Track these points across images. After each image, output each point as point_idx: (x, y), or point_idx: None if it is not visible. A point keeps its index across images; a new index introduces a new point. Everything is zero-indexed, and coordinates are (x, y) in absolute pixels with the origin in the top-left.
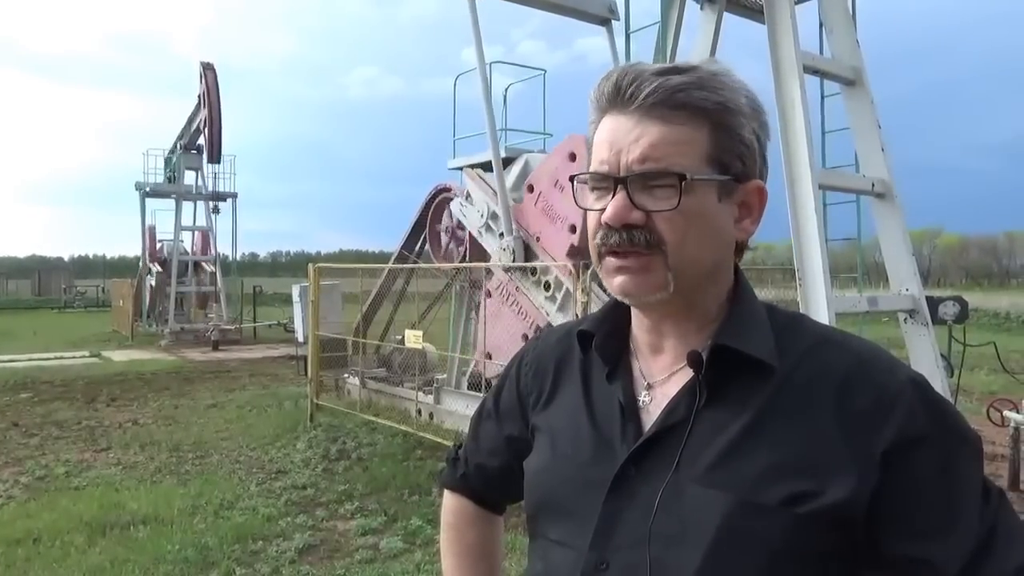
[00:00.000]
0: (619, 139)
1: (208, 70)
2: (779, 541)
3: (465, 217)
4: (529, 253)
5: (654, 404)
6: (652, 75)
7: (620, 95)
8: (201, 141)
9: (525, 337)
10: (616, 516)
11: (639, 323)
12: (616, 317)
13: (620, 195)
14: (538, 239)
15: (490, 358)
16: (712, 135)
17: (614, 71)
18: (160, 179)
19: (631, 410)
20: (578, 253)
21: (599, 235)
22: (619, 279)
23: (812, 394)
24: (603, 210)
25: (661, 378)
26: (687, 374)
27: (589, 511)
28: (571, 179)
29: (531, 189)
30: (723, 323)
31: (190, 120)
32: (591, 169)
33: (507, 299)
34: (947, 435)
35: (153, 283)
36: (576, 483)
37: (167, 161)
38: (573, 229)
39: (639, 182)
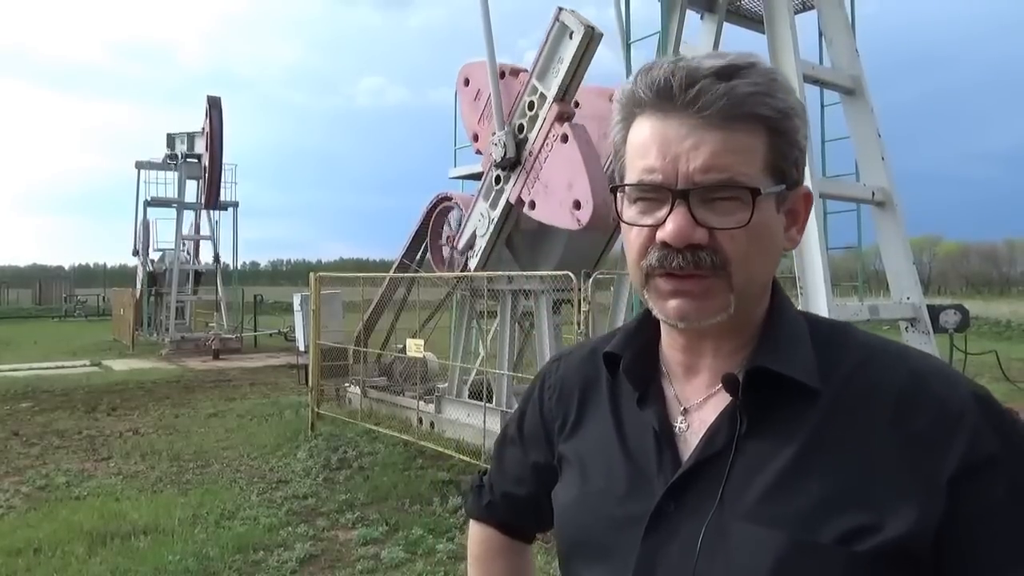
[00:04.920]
0: (672, 145)
1: (214, 107)
2: None
3: (482, 232)
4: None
5: (691, 431)
6: (713, 78)
7: (672, 97)
8: (200, 149)
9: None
10: (656, 556)
11: (672, 342)
12: (644, 336)
13: (681, 210)
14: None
15: (577, 207)
16: (770, 141)
17: (654, 67)
18: (160, 190)
19: (667, 438)
20: (537, 64)
21: (655, 256)
22: (676, 303)
23: (864, 417)
24: (653, 226)
25: (697, 401)
26: (725, 397)
27: (627, 550)
28: (613, 190)
29: (476, 138)
30: (761, 342)
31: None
32: (634, 178)
33: (544, 157)
34: (1018, 456)
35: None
36: (611, 520)
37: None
38: (515, 73)
39: (699, 195)
